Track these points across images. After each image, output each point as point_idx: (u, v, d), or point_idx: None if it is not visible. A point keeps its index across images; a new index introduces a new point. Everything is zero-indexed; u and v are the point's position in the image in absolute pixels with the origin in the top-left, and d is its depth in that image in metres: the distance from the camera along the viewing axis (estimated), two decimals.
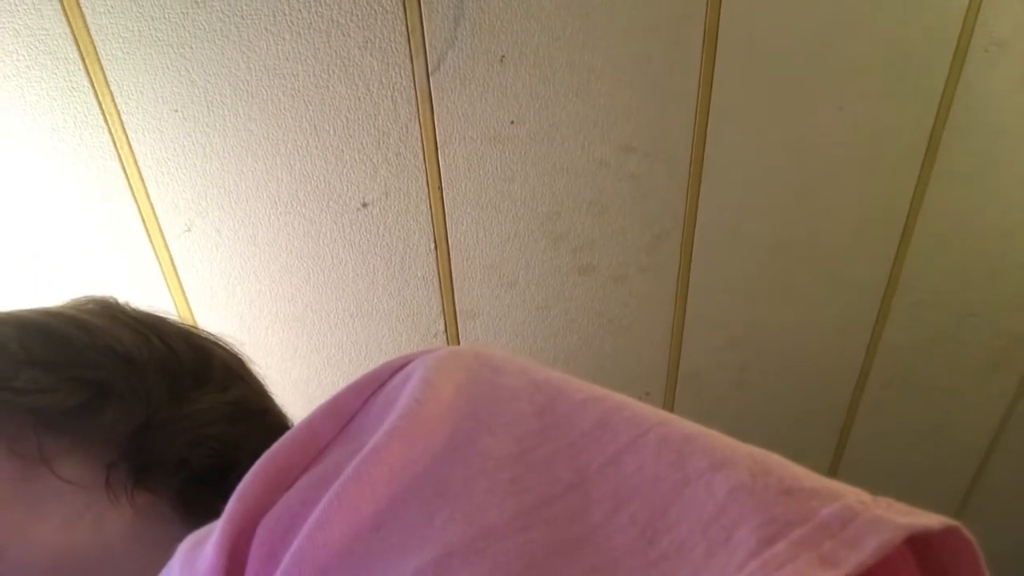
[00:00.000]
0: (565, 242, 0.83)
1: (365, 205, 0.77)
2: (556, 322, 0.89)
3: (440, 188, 0.77)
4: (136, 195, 0.72)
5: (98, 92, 0.67)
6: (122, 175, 0.71)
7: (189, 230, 0.75)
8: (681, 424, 0.28)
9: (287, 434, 0.31)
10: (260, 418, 0.46)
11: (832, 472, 1.12)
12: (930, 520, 0.23)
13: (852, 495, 0.24)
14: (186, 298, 0.79)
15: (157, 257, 0.76)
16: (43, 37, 0.64)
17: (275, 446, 0.30)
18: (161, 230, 0.74)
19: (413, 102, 0.72)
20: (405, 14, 0.67)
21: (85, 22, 0.64)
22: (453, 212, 0.79)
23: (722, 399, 1.00)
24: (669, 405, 0.99)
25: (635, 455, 0.27)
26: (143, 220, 0.73)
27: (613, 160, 0.79)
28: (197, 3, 0.65)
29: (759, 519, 0.23)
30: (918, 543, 0.25)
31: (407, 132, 0.73)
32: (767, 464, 0.26)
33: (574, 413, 0.29)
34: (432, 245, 0.81)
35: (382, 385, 0.32)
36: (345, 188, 0.75)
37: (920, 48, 0.78)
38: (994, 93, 0.82)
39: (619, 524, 0.25)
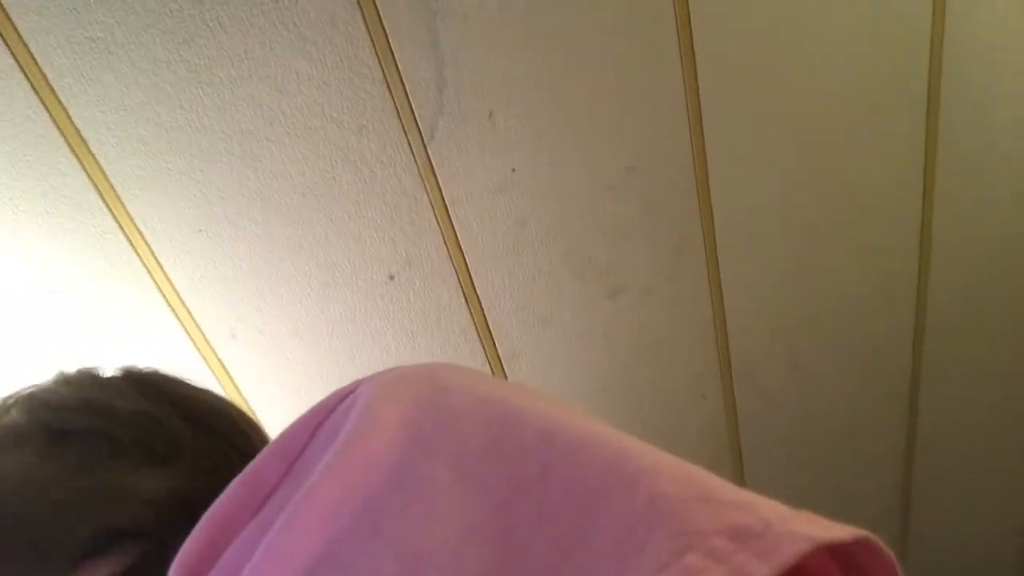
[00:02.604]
0: (589, 270, 0.85)
1: (392, 277, 0.79)
2: (597, 347, 0.90)
3: (459, 246, 0.80)
4: (178, 315, 0.76)
5: (126, 231, 0.71)
6: (162, 300, 0.75)
7: (234, 337, 0.79)
8: (620, 436, 0.28)
9: (232, 483, 0.30)
10: None
11: (910, 435, 1.10)
12: (843, 532, 0.23)
13: (770, 507, 0.24)
14: (243, 398, 0.83)
15: (209, 366, 0.80)
16: (67, 192, 0.68)
17: (219, 499, 0.30)
18: (208, 341, 0.78)
19: (416, 173, 0.74)
20: (391, 94, 0.70)
21: (101, 169, 0.68)
22: (476, 265, 0.81)
23: (781, 388, 1.00)
24: (730, 404, 0.99)
25: (566, 463, 0.27)
26: (189, 336, 0.77)
27: (619, 183, 0.80)
28: (199, 130, 0.68)
29: (674, 527, 0.23)
30: (842, 554, 0.25)
31: (416, 201, 0.76)
32: (690, 475, 0.26)
33: (517, 427, 0.29)
34: (463, 299, 0.83)
35: (329, 415, 0.32)
36: (370, 266, 0.78)
37: (899, 5, 0.78)
38: (981, 31, 0.81)
39: (541, 540, 0.25)
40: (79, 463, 0.39)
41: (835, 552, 0.25)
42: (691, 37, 0.75)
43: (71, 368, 0.47)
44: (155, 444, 0.42)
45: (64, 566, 0.36)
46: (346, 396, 0.32)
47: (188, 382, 0.49)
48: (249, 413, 0.82)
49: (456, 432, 0.28)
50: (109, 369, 0.48)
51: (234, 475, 0.44)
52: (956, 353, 1.04)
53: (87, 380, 0.45)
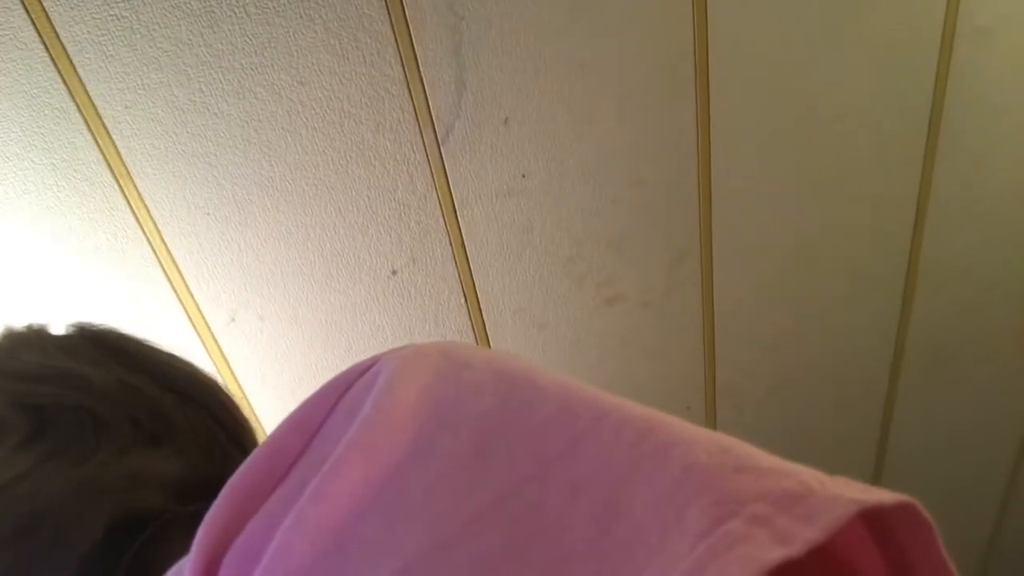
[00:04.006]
0: (589, 278, 0.86)
1: (395, 272, 0.80)
2: (590, 355, 0.92)
3: (463, 246, 0.80)
4: (180, 295, 0.76)
5: (134, 207, 0.71)
6: (165, 279, 0.75)
7: (233, 320, 0.79)
8: (643, 408, 0.28)
9: (253, 454, 0.30)
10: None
11: (880, 455, 1.13)
12: (884, 496, 0.22)
13: (808, 473, 0.24)
14: (238, 382, 0.83)
15: (206, 348, 0.80)
16: (78, 166, 0.68)
17: (241, 469, 0.29)
18: (207, 324, 0.78)
19: (428, 173, 0.75)
20: (410, 94, 0.71)
21: (115, 145, 0.68)
22: (478, 267, 0.82)
23: (761, 404, 1.02)
24: (711, 417, 1.01)
25: (595, 436, 0.26)
26: (189, 317, 0.77)
27: (625, 196, 0.81)
28: (216, 115, 0.68)
29: (712, 496, 0.22)
30: (876, 523, 0.25)
31: (426, 201, 0.77)
32: (724, 444, 0.25)
33: (536, 400, 0.28)
34: (463, 300, 0.84)
35: (348, 389, 0.31)
36: (374, 260, 0.79)
37: (908, 40, 0.80)
38: (985, 73, 0.84)
39: (575, 514, 0.24)
40: (68, 455, 0.37)
41: (869, 521, 0.24)
42: (707, 58, 0.76)
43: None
44: (142, 421, 0.40)
45: (75, 566, 0.35)
46: (365, 371, 0.32)
47: (152, 344, 0.46)
48: (241, 397, 0.83)
49: (475, 407, 0.28)
50: (57, 325, 0.45)
51: (226, 452, 0.43)
52: (930, 379, 1.07)
53: (48, 343, 0.42)
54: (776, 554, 0.20)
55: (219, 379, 0.50)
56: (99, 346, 0.43)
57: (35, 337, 0.43)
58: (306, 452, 0.30)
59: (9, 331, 0.43)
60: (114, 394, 0.40)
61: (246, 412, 0.84)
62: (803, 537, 0.20)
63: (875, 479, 1.15)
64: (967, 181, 0.90)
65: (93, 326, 0.45)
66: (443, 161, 0.75)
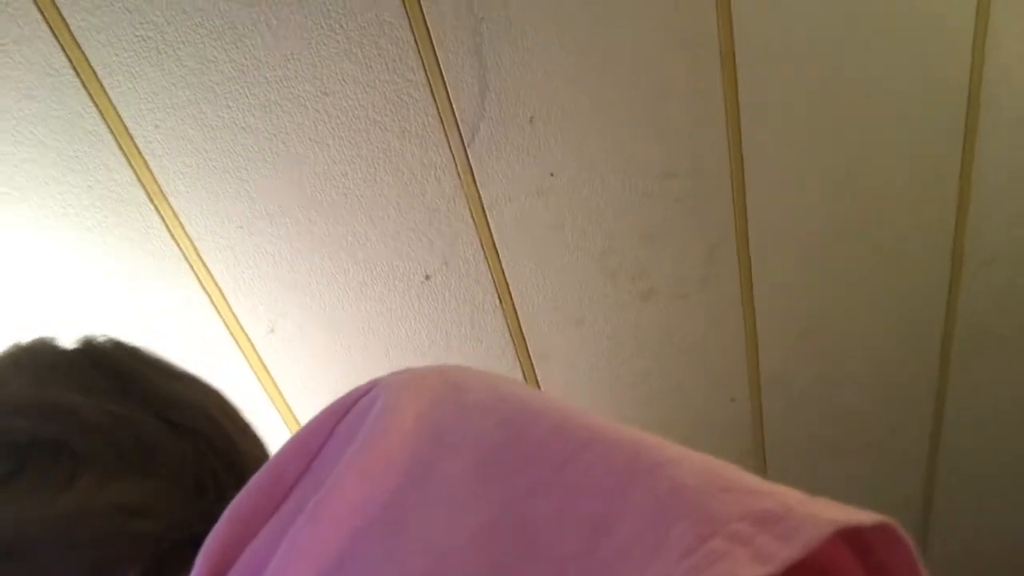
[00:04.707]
0: (623, 273, 0.85)
1: (428, 277, 0.80)
2: (627, 349, 0.91)
3: (495, 248, 0.80)
4: (219, 308, 0.77)
5: (169, 226, 0.72)
6: (204, 294, 0.76)
7: (272, 331, 0.80)
8: (634, 431, 0.28)
9: (254, 478, 0.30)
10: None
11: (934, 437, 1.10)
12: (863, 517, 0.23)
13: (791, 494, 0.24)
14: (279, 391, 0.84)
15: (247, 360, 0.81)
16: (113, 187, 0.69)
17: (241, 493, 0.29)
18: (247, 335, 0.80)
19: (455, 176, 0.75)
20: (434, 99, 0.71)
21: (147, 165, 0.69)
22: (511, 267, 0.82)
23: (808, 391, 1.00)
24: (756, 407, 1.00)
25: (587, 456, 0.27)
26: (229, 330, 0.79)
27: (656, 189, 0.80)
28: (243, 128, 0.69)
29: (697, 515, 0.23)
30: (859, 543, 0.25)
31: (455, 204, 0.76)
32: (708, 465, 0.26)
33: (534, 422, 0.29)
34: (497, 301, 0.84)
35: (346, 414, 0.32)
36: (407, 266, 0.79)
37: (942, 10, 0.78)
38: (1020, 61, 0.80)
39: (565, 530, 0.25)
40: (43, 491, 0.35)
41: (852, 540, 0.25)
42: (733, 46, 0.75)
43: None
44: (126, 451, 0.38)
45: None
46: (362, 395, 0.32)
47: (154, 360, 0.45)
48: (284, 407, 0.84)
49: (473, 429, 0.29)
50: (67, 340, 0.44)
51: (219, 480, 0.41)
52: (983, 359, 1.04)
53: (41, 365, 0.41)
54: (755, 571, 0.21)
55: (229, 399, 0.48)
56: (97, 366, 0.42)
57: (29, 360, 0.41)
58: (305, 475, 0.30)
59: (9, 351, 0.42)
60: (97, 424, 0.38)
61: (289, 422, 0.85)
62: (781, 555, 0.21)
63: (930, 462, 1.12)
64: (1010, 152, 0.87)
65: (96, 343, 0.44)
66: (470, 163, 0.75)
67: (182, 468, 0.40)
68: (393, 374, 0.33)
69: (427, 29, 0.67)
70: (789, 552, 0.21)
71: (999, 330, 1.00)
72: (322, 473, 0.29)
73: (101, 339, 0.44)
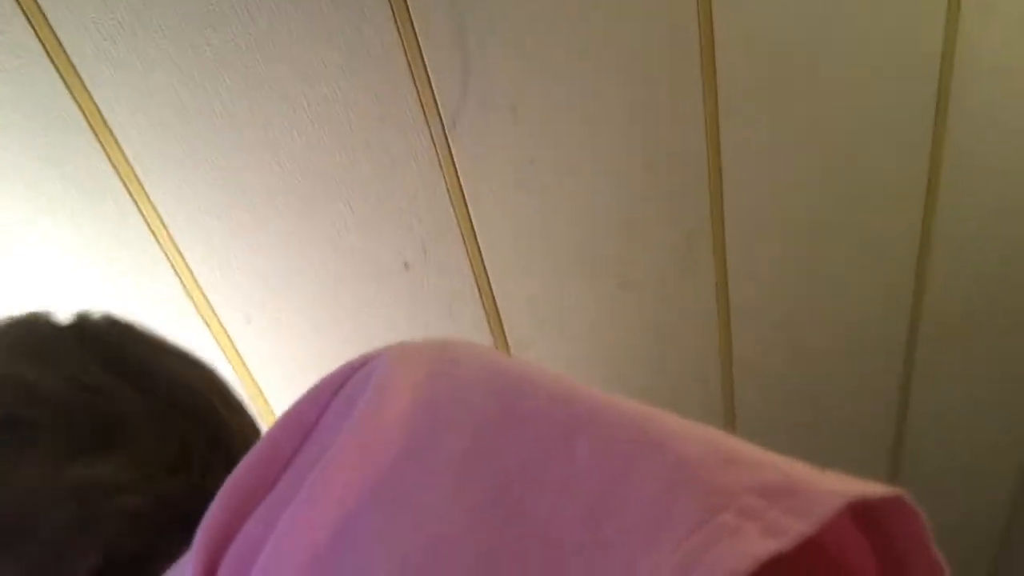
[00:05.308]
0: (602, 262, 0.86)
1: (407, 266, 0.80)
2: (606, 337, 0.91)
3: (475, 235, 0.80)
4: (194, 299, 0.76)
5: (145, 214, 0.71)
6: (179, 283, 0.75)
7: (248, 321, 0.79)
8: (635, 404, 0.28)
9: (249, 453, 0.30)
10: None
11: (899, 425, 1.13)
12: (874, 489, 0.23)
13: (797, 467, 0.24)
14: (255, 382, 0.83)
15: (223, 351, 0.80)
16: (88, 175, 0.68)
17: (238, 468, 0.29)
18: (223, 326, 0.79)
19: (436, 162, 0.75)
20: (415, 84, 0.70)
21: (123, 152, 0.68)
22: (490, 255, 0.82)
23: (780, 378, 1.02)
24: (728, 393, 1.01)
25: (589, 431, 0.26)
26: (204, 320, 0.77)
27: (636, 179, 0.81)
28: (220, 114, 0.68)
29: (704, 489, 0.23)
30: (864, 515, 0.25)
31: (435, 191, 0.76)
32: (713, 438, 0.25)
33: (530, 396, 0.28)
34: (476, 290, 0.84)
35: (340, 388, 0.31)
36: (386, 254, 0.79)
37: (916, 8, 0.80)
38: (993, 37, 0.83)
39: (568, 511, 0.24)
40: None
41: (857, 513, 0.25)
42: (712, 38, 0.76)
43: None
44: (95, 428, 0.38)
45: None
46: (358, 368, 0.31)
47: (151, 338, 0.45)
48: (261, 398, 0.83)
49: (471, 403, 0.28)
50: (63, 314, 0.44)
51: (206, 460, 0.41)
52: (949, 347, 1.07)
53: (19, 338, 0.41)
54: (768, 547, 0.20)
55: (221, 376, 0.48)
56: (83, 341, 0.41)
57: (9, 334, 0.41)
58: (300, 452, 0.29)
59: (7, 320, 0.42)
60: (60, 400, 0.38)
61: (265, 414, 0.84)
62: (794, 530, 0.20)
63: (896, 447, 1.14)
64: (979, 149, 0.89)
65: (88, 318, 0.44)
66: (451, 150, 0.75)
67: (158, 443, 0.39)
68: (388, 347, 0.32)
69: (408, 15, 0.67)
70: (803, 526, 0.20)
71: (967, 320, 1.03)
72: (318, 450, 0.29)
73: (95, 315, 0.43)
